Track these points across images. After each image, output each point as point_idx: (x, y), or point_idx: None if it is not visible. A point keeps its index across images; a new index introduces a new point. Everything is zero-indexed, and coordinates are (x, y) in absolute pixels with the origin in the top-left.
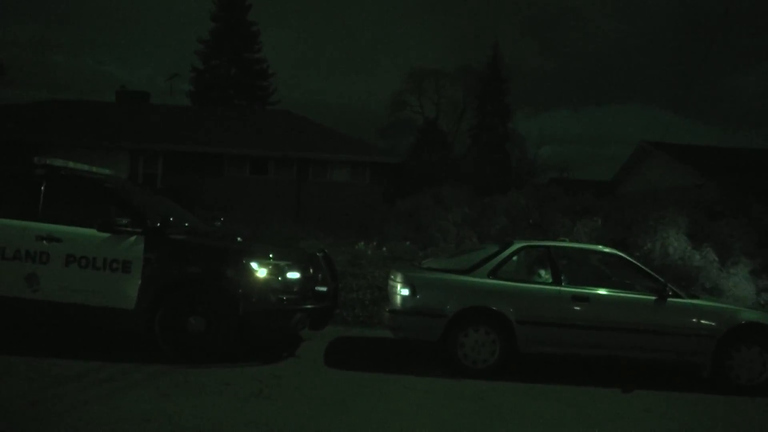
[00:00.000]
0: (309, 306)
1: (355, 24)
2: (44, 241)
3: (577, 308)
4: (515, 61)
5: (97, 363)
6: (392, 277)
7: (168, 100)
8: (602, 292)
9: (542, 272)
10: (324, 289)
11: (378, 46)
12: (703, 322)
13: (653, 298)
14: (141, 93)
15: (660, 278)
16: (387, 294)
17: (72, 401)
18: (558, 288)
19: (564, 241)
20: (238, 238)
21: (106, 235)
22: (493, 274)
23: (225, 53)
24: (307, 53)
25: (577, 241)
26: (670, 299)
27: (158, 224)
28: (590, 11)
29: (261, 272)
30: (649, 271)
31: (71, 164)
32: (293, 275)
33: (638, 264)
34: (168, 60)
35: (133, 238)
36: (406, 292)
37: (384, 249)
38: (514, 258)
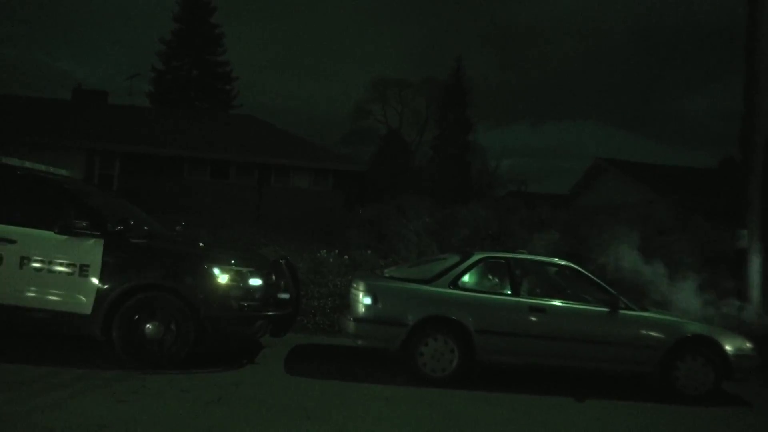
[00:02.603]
0: (270, 313)
1: (320, 32)
2: None
3: (534, 319)
4: (477, 74)
5: (49, 368)
6: (354, 285)
7: (127, 100)
8: (558, 303)
9: (501, 283)
10: (286, 296)
11: (343, 54)
12: (652, 333)
13: (606, 309)
14: (98, 92)
15: (612, 291)
16: (348, 302)
17: (24, 407)
18: (516, 299)
19: (522, 253)
20: (200, 243)
21: (63, 237)
22: (454, 284)
23: (187, 55)
24: (272, 58)
25: (535, 254)
26: (622, 311)
27: (118, 227)
28: (550, 30)
29: (222, 278)
30: (602, 283)
31: (28, 164)
32: (255, 282)
33: (592, 276)
34: (127, 60)
35: (91, 241)
36: (368, 300)
37: (346, 257)
38: (474, 269)
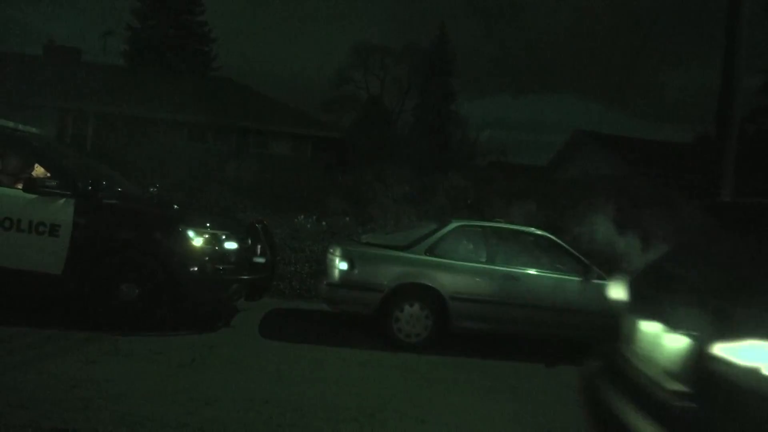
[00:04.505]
0: (246, 277)
1: None
2: None
3: (507, 286)
4: (460, 43)
5: (21, 329)
6: (331, 250)
7: (101, 58)
8: (532, 272)
9: (477, 251)
10: (262, 260)
11: (326, 19)
12: None
13: (579, 279)
14: (71, 49)
15: (585, 261)
16: (325, 267)
17: None
18: (491, 266)
19: (499, 221)
20: (175, 206)
21: (32, 196)
22: (430, 251)
23: (164, 13)
24: (253, 21)
25: (512, 223)
26: (594, 281)
27: (89, 187)
28: (533, 1)
29: (197, 241)
30: (576, 253)
31: None
32: (231, 245)
33: (567, 247)
34: (101, 16)
35: (62, 200)
36: (344, 265)
37: (324, 223)
38: (451, 236)
